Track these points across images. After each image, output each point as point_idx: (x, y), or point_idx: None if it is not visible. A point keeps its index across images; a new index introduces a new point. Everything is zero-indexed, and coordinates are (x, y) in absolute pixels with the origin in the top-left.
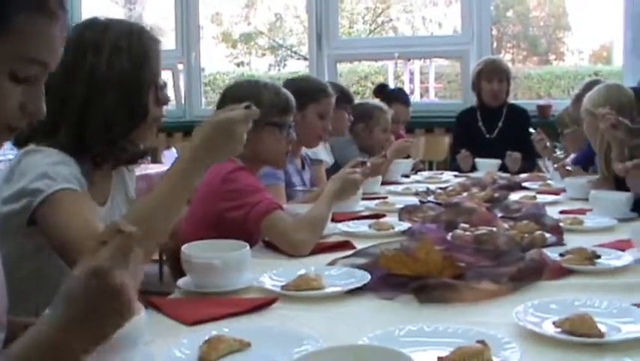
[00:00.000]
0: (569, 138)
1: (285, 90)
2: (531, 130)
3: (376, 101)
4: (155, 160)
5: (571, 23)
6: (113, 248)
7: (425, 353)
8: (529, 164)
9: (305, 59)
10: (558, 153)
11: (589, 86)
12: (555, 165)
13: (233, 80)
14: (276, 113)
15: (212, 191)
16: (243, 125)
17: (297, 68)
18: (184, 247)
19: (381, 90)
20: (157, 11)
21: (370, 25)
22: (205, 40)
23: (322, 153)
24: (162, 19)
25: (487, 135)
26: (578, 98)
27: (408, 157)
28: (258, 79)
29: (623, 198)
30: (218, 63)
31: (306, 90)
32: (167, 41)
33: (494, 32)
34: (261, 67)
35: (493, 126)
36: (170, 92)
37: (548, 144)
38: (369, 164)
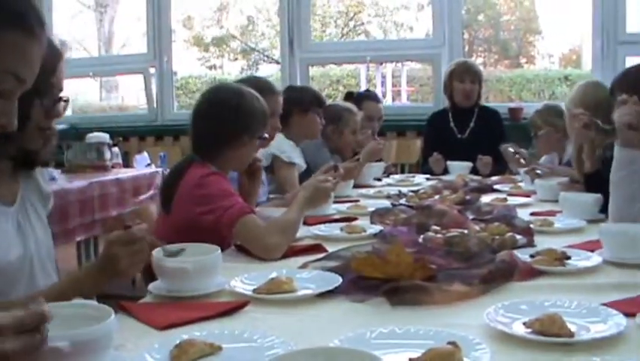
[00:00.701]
0: (541, 140)
1: (263, 101)
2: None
3: (346, 103)
4: (128, 165)
5: (541, 27)
6: None
7: (397, 356)
8: (501, 166)
9: (277, 62)
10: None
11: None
12: (525, 169)
13: (214, 84)
14: (261, 126)
15: (185, 196)
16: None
17: (269, 71)
18: (155, 252)
19: (350, 97)
20: (128, 15)
21: (342, 28)
22: (177, 44)
23: (295, 156)
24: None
25: (459, 136)
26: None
27: (380, 160)
28: (244, 88)
29: (591, 199)
30: (190, 67)
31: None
32: (139, 45)
33: (465, 36)
34: (233, 70)
35: (464, 127)
36: (141, 96)
37: (522, 160)
38: (341, 170)
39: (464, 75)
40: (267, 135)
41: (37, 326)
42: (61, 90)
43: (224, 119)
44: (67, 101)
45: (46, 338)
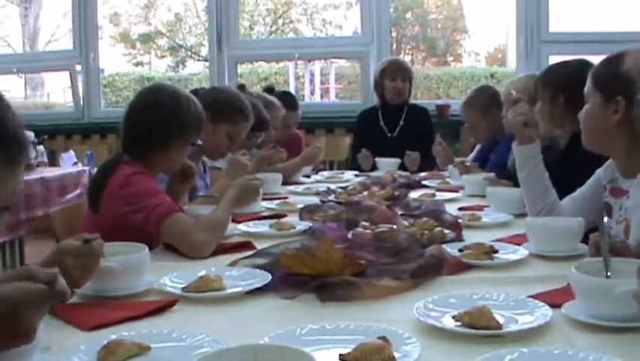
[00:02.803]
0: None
1: (201, 108)
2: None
3: (267, 98)
4: (54, 163)
5: (468, 26)
6: None
7: (327, 351)
8: (429, 162)
9: (205, 60)
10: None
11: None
12: (454, 164)
13: (157, 84)
14: (195, 134)
15: (112, 195)
16: (38, 311)
17: (197, 69)
18: None
19: (268, 93)
20: (54, 11)
21: (271, 26)
22: (103, 41)
23: (220, 160)
24: (59, 18)
25: (389, 134)
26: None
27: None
28: (182, 92)
29: (518, 194)
30: (117, 64)
31: (226, 106)
32: (65, 41)
33: (394, 34)
34: (160, 68)
35: (394, 126)
36: (67, 93)
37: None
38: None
39: (396, 73)
40: (200, 142)
41: None
42: None
43: (158, 122)
44: None
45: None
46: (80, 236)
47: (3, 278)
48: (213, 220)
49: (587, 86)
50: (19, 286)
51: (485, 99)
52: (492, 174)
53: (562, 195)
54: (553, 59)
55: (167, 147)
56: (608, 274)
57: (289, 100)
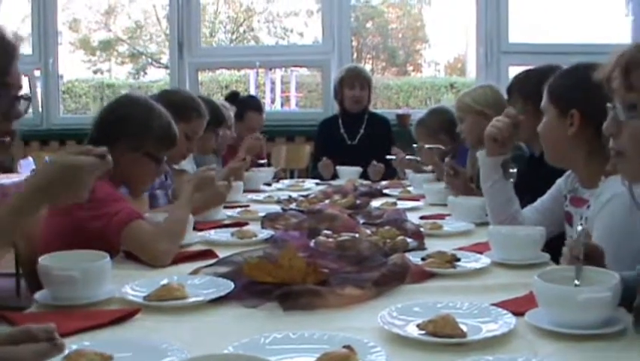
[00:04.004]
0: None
1: (174, 125)
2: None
3: (221, 101)
4: (12, 170)
5: (428, 36)
6: None
7: None
8: (390, 171)
9: (166, 67)
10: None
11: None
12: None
13: (125, 93)
14: (160, 146)
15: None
16: (92, 175)
17: (157, 76)
18: (41, 259)
19: (233, 98)
20: (12, 15)
21: (232, 34)
22: (63, 47)
23: (186, 164)
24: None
25: (349, 142)
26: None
27: (269, 166)
28: (153, 103)
29: (479, 202)
30: (77, 70)
31: (179, 107)
32: (24, 47)
33: (354, 43)
34: (120, 75)
35: (354, 133)
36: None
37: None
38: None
39: (354, 81)
40: (165, 158)
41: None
42: (20, 88)
43: (125, 132)
44: (28, 98)
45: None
46: None
47: (4, 339)
48: (171, 225)
49: (544, 100)
50: (30, 350)
51: (435, 123)
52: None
53: (528, 204)
54: (513, 70)
55: (135, 161)
56: (577, 282)
57: (254, 103)
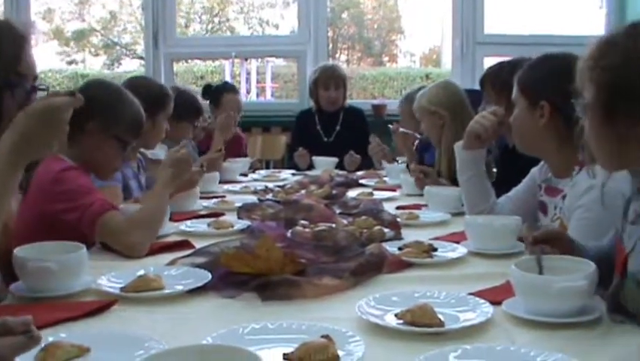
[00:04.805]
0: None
1: (143, 114)
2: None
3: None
4: None
5: (404, 27)
6: None
7: (270, 351)
8: (366, 162)
9: (141, 57)
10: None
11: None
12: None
13: (95, 78)
14: (129, 132)
15: (43, 192)
16: (66, 113)
17: (132, 67)
18: (16, 250)
19: (208, 90)
20: None
21: (207, 25)
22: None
23: (161, 153)
24: None
25: (325, 139)
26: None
27: (245, 156)
28: (124, 89)
29: (455, 193)
30: (50, 61)
31: (156, 94)
32: None
33: (330, 34)
34: (95, 65)
35: (330, 130)
36: None
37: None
38: (204, 167)
39: (329, 82)
40: (134, 144)
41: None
42: (35, 78)
43: (96, 114)
44: (45, 89)
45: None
46: None
47: None
48: (147, 214)
49: (514, 92)
50: (6, 343)
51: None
52: (433, 171)
53: (504, 195)
54: (488, 61)
55: (102, 143)
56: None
57: (228, 86)
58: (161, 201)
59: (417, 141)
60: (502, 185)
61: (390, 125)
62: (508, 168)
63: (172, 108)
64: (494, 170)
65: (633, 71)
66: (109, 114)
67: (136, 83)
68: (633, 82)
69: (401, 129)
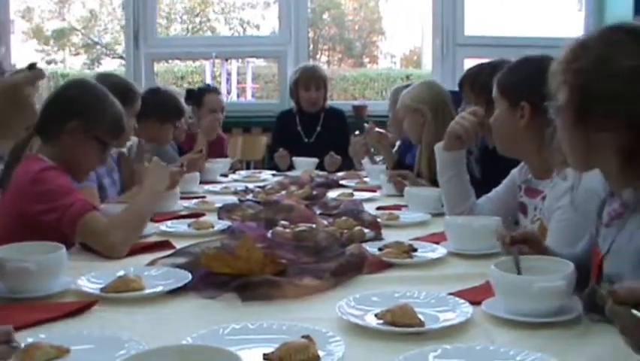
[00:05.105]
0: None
1: (125, 117)
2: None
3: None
4: None
5: (384, 28)
6: None
7: (250, 351)
8: (347, 163)
9: (121, 57)
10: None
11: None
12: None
13: (79, 77)
14: (110, 134)
15: (22, 193)
16: (30, 88)
17: (112, 66)
18: None
19: (191, 94)
20: None
21: (188, 25)
22: (15, 36)
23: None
24: None
25: (306, 140)
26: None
27: (225, 157)
28: (107, 90)
29: (435, 193)
30: (29, 60)
31: (124, 89)
32: None
33: (311, 34)
34: (75, 65)
35: (311, 131)
36: None
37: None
38: (185, 167)
39: (309, 83)
40: (114, 148)
41: None
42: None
43: (78, 113)
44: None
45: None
46: None
47: None
48: (131, 216)
49: (494, 93)
50: None
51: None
52: (411, 174)
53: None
54: (468, 62)
55: (82, 143)
56: (518, 273)
57: (210, 87)
58: (146, 204)
59: (398, 142)
60: (482, 186)
61: (365, 124)
62: (488, 169)
63: (139, 106)
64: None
65: (604, 75)
66: (90, 115)
67: (103, 79)
68: (603, 86)
69: (376, 129)
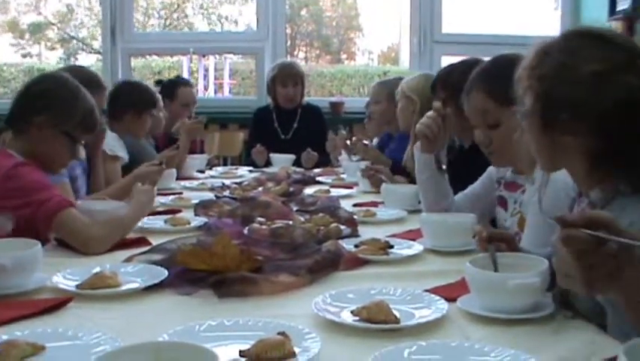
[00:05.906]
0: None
1: (97, 112)
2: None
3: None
4: None
5: (362, 25)
6: None
7: (226, 348)
8: (323, 159)
9: (98, 52)
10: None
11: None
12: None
13: (53, 71)
14: (80, 130)
15: None
16: None
17: (89, 61)
18: None
19: (161, 85)
20: None
21: (165, 20)
22: None
23: (119, 149)
24: None
25: (283, 136)
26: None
27: (202, 152)
28: (81, 86)
29: (412, 190)
30: (5, 54)
31: (92, 80)
32: None
33: (288, 31)
34: (51, 59)
35: (288, 128)
36: None
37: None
38: (164, 165)
39: (286, 80)
40: (83, 142)
41: None
42: None
43: (48, 107)
44: None
45: None
46: None
47: None
48: (115, 220)
49: (492, 107)
50: None
51: (389, 89)
52: (385, 168)
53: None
54: (445, 60)
55: (52, 138)
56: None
57: (182, 80)
58: (132, 218)
59: (376, 139)
60: (457, 184)
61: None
62: (462, 168)
63: (106, 98)
64: (444, 167)
65: (567, 81)
66: (60, 109)
67: (77, 69)
68: (567, 92)
69: (364, 141)
